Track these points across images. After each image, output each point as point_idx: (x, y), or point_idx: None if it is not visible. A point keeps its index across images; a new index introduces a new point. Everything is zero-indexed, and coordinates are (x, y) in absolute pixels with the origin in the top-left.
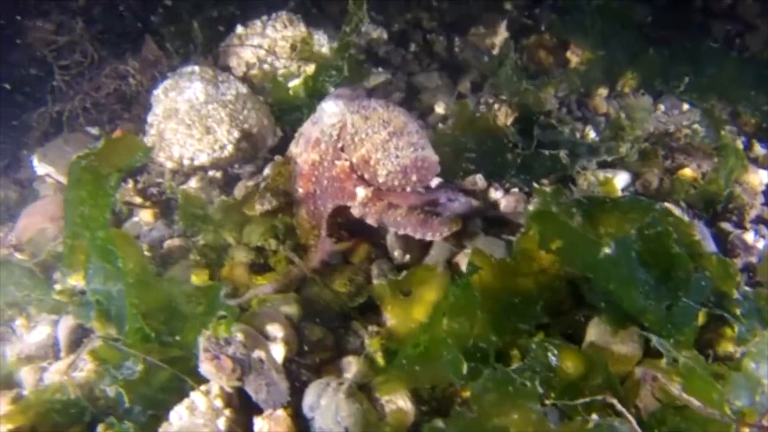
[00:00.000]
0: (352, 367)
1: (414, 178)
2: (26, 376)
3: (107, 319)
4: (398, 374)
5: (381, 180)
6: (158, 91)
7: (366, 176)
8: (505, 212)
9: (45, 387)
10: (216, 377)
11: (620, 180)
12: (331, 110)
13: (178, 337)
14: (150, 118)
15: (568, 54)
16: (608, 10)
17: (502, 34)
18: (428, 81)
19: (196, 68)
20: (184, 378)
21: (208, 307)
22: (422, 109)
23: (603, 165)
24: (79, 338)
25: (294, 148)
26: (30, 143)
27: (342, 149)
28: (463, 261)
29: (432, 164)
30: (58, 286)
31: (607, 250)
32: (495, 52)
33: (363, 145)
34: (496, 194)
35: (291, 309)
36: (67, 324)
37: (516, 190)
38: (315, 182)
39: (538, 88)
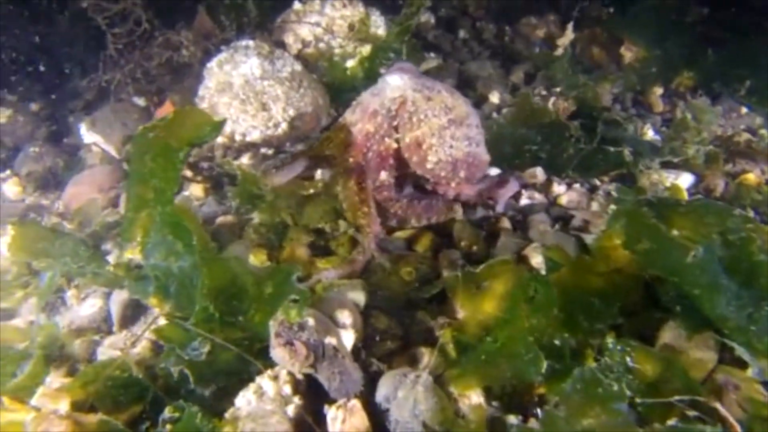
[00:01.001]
0: (424, 358)
1: (462, 174)
2: (79, 348)
3: (165, 296)
4: (474, 369)
5: (428, 167)
6: (212, 64)
7: (414, 159)
8: (569, 207)
9: (105, 362)
10: (288, 363)
11: (683, 181)
12: (395, 83)
13: (241, 318)
14: (201, 91)
15: (622, 50)
16: (664, 9)
17: (568, 36)
18: (480, 69)
19: (251, 42)
20: (251, 361)
21: (278, 290)
22: (475, 97)
23: (664, 165)
24: (132, 313)
25: (350, 116)
26: (77, 111)
27: (396, 127)
28: (532, 254)
29: (482, 164)
30: (112, 259)
31: (694, 255)
32: (559, 52)
33: (419, 127)
34: (558, 188)
35: (358, 295)
36: (120, 298)
37: (578, 185)
38: (365, 154)
39: (595, 83)
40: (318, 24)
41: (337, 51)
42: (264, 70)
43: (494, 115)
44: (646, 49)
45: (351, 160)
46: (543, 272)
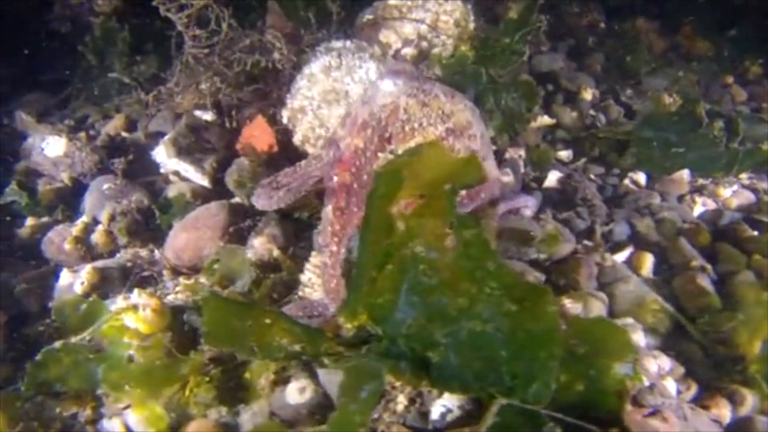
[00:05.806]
0: (747, 399)
1: (462, 193)
2: None
3: (421, 373)
4: None
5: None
6: (315, 69)
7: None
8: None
9: None
10: None
11: None
12: (387, 89)
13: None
14: (298, 102)
15: (680, 38)
16: None
17: None
18: (553, 62)
19: (349, 43)
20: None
21: (596, 347)
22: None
23: None
24: None
25: (340, 130)
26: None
27: (389, 139)
28: None
29: (490, 184)
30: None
31: None
32: None
33: (413, 137)
34: (725, 191)
35: (638, 337)
36: (339, 376)
37: (736, 186)
38: (355, 174)
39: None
40: (422, 21)
41: (435, 51)
42: None
43: (591, 112)
44: (711, 37)
45: (335, 179)
46: None
